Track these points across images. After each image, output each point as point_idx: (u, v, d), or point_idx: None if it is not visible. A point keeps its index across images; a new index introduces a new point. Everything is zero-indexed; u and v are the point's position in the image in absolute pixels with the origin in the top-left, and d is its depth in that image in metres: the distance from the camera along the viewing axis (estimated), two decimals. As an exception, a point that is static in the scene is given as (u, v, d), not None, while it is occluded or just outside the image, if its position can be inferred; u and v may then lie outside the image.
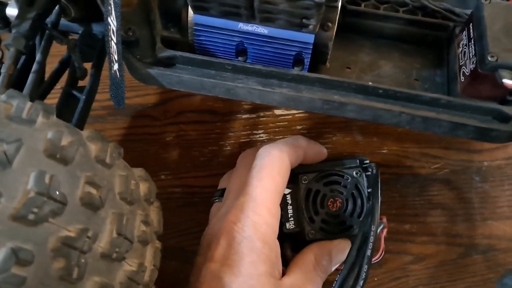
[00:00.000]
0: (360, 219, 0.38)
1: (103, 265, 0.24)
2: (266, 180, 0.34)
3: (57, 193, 0.22)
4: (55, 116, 0.24)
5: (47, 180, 0.21)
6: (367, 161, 0.39)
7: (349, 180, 0.39)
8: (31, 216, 0.20)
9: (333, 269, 0.37)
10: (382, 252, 0.38)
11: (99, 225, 0.24)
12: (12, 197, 0.20)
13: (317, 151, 0.40)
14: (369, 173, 0.38)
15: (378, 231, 0.35)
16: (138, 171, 0.30)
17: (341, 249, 0.37)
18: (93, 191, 0.24)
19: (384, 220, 0.37)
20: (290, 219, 0.38)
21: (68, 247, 0.22)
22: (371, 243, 0.34)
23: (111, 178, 0.26)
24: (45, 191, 0.21)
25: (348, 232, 0.38)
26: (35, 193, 0.21)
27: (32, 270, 0.20)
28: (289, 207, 0.38)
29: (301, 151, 0.38)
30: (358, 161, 0.39)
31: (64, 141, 0.23)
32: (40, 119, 0.23)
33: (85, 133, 0.25)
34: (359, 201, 0.38)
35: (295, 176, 0.39)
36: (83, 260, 0.22)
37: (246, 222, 0.33)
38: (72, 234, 0.22)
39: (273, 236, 0.34)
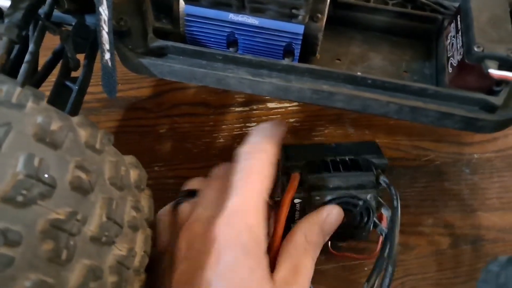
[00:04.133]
0: (364, 233, 0.39)
1: (93, 249, 0.25)
2: (255, 183, 0.33)
3: (46, 176, 0.22)
4: (45, 101, 0.24)
5: (36, 163, 0.22)
6: (386, 180, 0.38)
7: (361, 203, 0.37)
8: (19, 198, 0.21)
9: (326, 240, 0.37)
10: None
11: (89, 209, 0.24)
12: (1, 179, 0.20)
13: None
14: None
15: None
16: (129, 158, 0.31)
17: (331, 219, 0.36)
18: (83, 175, 0.24)
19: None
20: (295, 219, 0.38)
21: (57, 229, 0.22)
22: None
23: (101, 163, 0.26)
24: (34, 174, 0.21)
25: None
26: (24, 176, 0.21)
27: (21, 251, 0.21)
28: (296, 213, 0.38)
29: (282, 138, 0.37)
30: (374, 175, 0.38)
31: (54, 126, 0.24)
32: (29, 104, 0.23)
33: (75, 119, 0.26)
34: (365, 219, 0.38)
35: (308, 190, 0.37)
36: (72, 243, 0.23)
37: (240, 227, 0.31)
38: (61, 217, 0.22)
39: (264, 239, 0.32)
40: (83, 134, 0.26)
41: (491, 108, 0.33)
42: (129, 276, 0.28)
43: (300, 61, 0.36)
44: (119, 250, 0.27)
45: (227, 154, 0.49)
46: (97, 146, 0.26)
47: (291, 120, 0.51)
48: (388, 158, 0.48)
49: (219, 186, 0.36)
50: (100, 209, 0.25)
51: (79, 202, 0.24)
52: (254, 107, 0.52)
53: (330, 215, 0.36)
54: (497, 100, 0.32)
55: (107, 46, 0.32)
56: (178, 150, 0.49)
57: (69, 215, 0.23)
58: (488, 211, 0.46)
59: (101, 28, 0.31)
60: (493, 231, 0.45)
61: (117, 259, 0.26)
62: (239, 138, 0.50)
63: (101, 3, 0.30)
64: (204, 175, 0.46)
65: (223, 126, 0.51)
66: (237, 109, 0.52)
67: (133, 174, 0.30)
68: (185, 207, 0.37)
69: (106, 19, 0.31)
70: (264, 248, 0.32)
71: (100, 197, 0.25)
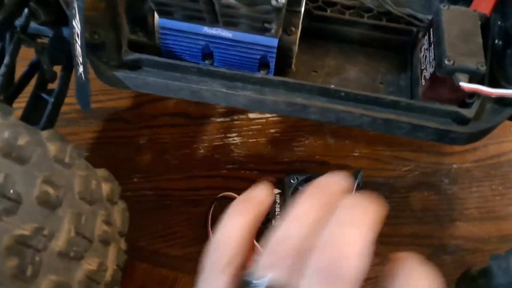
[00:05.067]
0: None
1: (60, 264, 0.24)
2: None
3: (12, 191, 0.22)
4: (13, 116, 0.24)
5: (1, 179, 0.22)
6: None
7: None
8: (-17, 214, 0.21)
9: None
10: None
11: (56, 224, 0.24)
12: (-37, 195, 0.20)
13: None
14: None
15: None
16: (101, 172, 0.31)
17: None
18: (50, 190, 0.24)
19: None
20: (276, 216, 0.39)
21: (22, 245, 0.22)
22: None
23: (70, 177, 0.26)
24: (-2, 190, 0.21)
25: None
26: (-12, 192, 0.21)
27: (-16, 268, 0.20)
28: (277, 205, 0.40)
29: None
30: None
31: (21, 141, 0.23)
32: (-4, 119, 0.23)
33: (44, 133, 0.26)
34: None
35: (284, 178, 0.42)
36: (37, 259, 0.23)
37: None
38: (26, 233, 0.22)
39: None
40: (52, 148, 0.26)
41: (463, 120, 0.33)
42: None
43: (276, 73, 0.36)
44: (88, 264, 0.26)
45: (207, 165, 0.49)
46: (66, 160, 0.26)
47: (272, 130, 0.52)
48: (368, 169, 0.49)
49: None
50: (68, 224, 0.25)
51: (46, 217, 0.24)
52: (235, 117, 0.52)
53: None
54: (469, 112, 0.33)
55: (80, 59, 0.32)
56: (157, 161, 0.49)
57: (35, 230, 0.23)
58: (467, 221, 0.46)
59: (74, 42, 0.31)
60: (471, 241, 0.45)
61: (87, 274, 0.26)
62: (220, 149, 0.50)
63: (74, 17, 0.30)
64: (183, 186, 0.46)
65: (204, 137, 0.51)
66: (217, 119, 0.52)
67: (105, 188, 0.30)
68: None
69: (79, 32, 0.31)
70: None
71: (69, 212, 0.25)
